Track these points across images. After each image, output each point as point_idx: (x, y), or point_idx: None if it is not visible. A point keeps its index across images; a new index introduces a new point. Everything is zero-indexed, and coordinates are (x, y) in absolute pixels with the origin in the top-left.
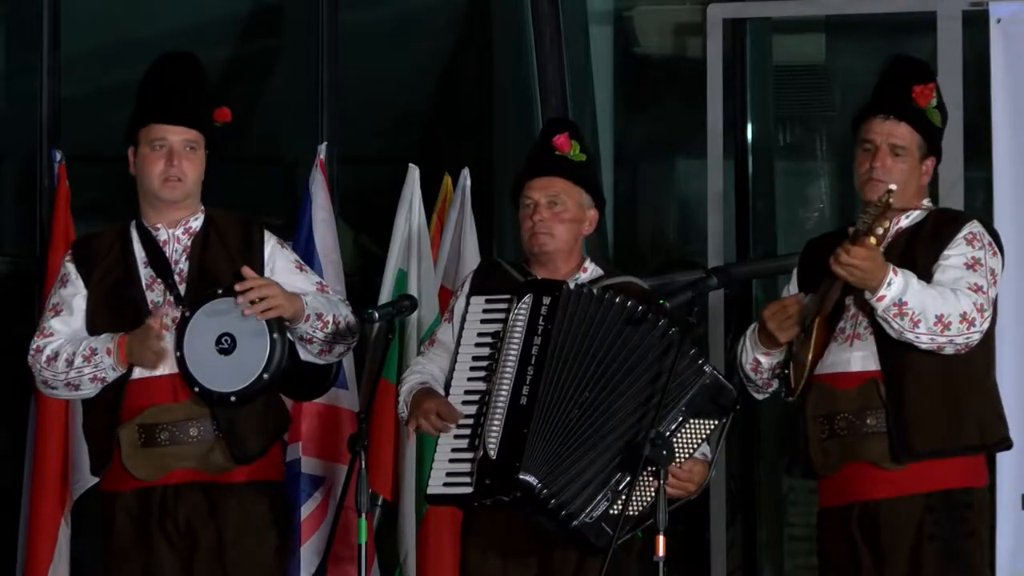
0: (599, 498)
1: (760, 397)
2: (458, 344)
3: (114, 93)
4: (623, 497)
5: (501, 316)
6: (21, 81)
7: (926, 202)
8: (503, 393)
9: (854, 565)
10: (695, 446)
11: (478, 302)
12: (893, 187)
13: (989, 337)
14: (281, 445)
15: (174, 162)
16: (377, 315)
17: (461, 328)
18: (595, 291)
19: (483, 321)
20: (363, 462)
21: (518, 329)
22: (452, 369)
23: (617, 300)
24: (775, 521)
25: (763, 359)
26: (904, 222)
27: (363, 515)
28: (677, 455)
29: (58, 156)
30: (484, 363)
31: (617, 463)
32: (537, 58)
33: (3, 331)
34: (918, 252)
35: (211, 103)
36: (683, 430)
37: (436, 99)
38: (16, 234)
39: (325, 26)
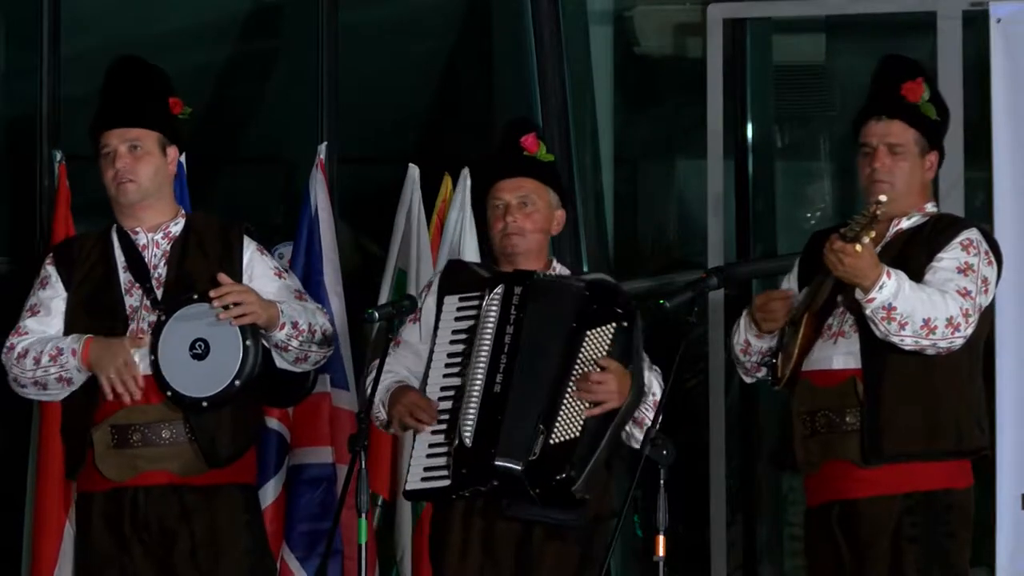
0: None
1: (748, 380)
2: (433, 343)
3: None
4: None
5: (474, 312)
6: (21, 81)
7: (929, 206)
8: (477, 382)
9: (838, 564)
10: (601, 353)
11: (451, 301)
12: (883, 198)
13: (976, 343)
14: (256, 448)
15: (116, 164)
16: (377, 315)
17: (435, 328)
18: (564, 279)
19: (457, 319)
20: (363, 462)
21: (491, 320)
22: (428, 368)
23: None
24: (775, 521)
25: (754, 341)
26: (905, 223)
27: (363, 515)
28: (576, 369)
29: (58, 156)
30: (459, 359)
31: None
32: (537, 58)
33: (3, 331)
34: (912, 253)
35: (160, 99)
36: (584, 342)
37: (436, 99)
38: (16, 234)
39: (325, 26)
